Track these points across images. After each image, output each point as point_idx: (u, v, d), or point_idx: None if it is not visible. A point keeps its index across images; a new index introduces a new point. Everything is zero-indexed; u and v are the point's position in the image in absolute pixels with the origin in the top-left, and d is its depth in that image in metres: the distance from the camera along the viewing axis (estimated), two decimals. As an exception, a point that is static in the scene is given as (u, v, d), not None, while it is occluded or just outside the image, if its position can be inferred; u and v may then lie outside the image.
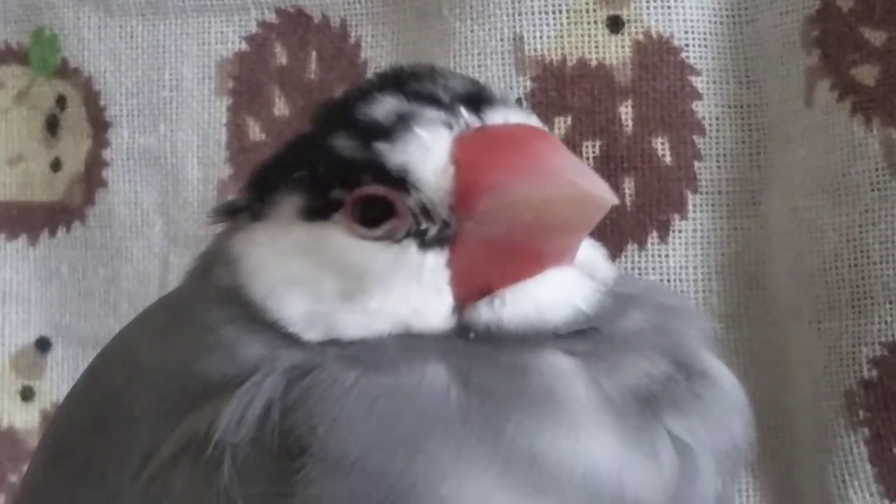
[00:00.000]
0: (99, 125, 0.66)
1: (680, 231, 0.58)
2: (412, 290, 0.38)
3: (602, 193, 0.37)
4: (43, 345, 0.67)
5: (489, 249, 0.38)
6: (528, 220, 0.38)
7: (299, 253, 0.40)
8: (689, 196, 0.58)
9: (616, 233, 0.58)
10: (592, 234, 0.53)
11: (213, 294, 0.41)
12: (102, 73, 0.66)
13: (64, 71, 0.67)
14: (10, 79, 0.68)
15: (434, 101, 0.39)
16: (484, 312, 0.39)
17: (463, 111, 0.39)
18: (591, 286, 0.40)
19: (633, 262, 0.59)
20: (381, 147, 0.38)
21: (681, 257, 0.58)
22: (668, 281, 0.59)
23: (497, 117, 0.39)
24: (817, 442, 0.56)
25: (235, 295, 0.40)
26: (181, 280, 0.46)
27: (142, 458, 0.38)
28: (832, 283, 0.56)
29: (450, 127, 0.38)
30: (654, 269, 0.58)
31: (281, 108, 0.63)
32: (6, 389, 0.67)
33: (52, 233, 0.67)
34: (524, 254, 0.39)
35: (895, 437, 0.54)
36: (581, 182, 0.37)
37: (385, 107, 0.39)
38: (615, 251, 0.58)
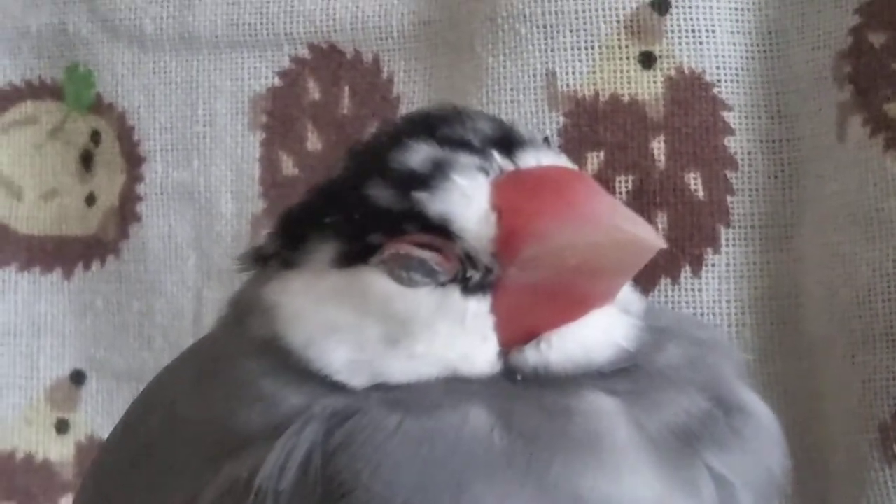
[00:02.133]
0: (133, 160, 0.66)
1: (713, 265, 0.58)
2: (457, 335, 0.39)
3: (649, 237, 0.38)
4: (78, 378, 0.67)
5: (533, 294, 0.39)
6: (573, 266, 0.38)
7: (338, 300, 0.40)
8: (722, 230, 0.58)
9: (649, 267, 0.54)
10: None
11: (248, 344, 0.42)
12: (136, 108, 0.66)
13: (98, 106, 0.67)
14: (44, 114, 0.68)
15: (466, 145, 0.39)
16: (531, 356, 0.39)
17: (496, 155, 0.39)
18: (630, 322, 0.40)
19: (666, 296, 0.58)
20: (420, 196, 0.38)
21: (714, 291, 0.58)
22: (702, 315, 0.58)
23: (530, 160, 0.39)
24: (851, 475, 0.55)
25: (273, 345, 0.40)
26: (213, 327, 0.46)
27: None
28: (866, 317, 0.55)
29: (486, 172, 0.39)
30: (687, 303, 0.58)
31: (314, 142, 0.63)
32: (41, 423, 0.66)
33: (87, 267, 0.67)
34: (569, 298, 0.39)
35: None
36: (627, 227, 0.38)
37: (419, 154, 0.39)
38: (648, 286, 0.57)
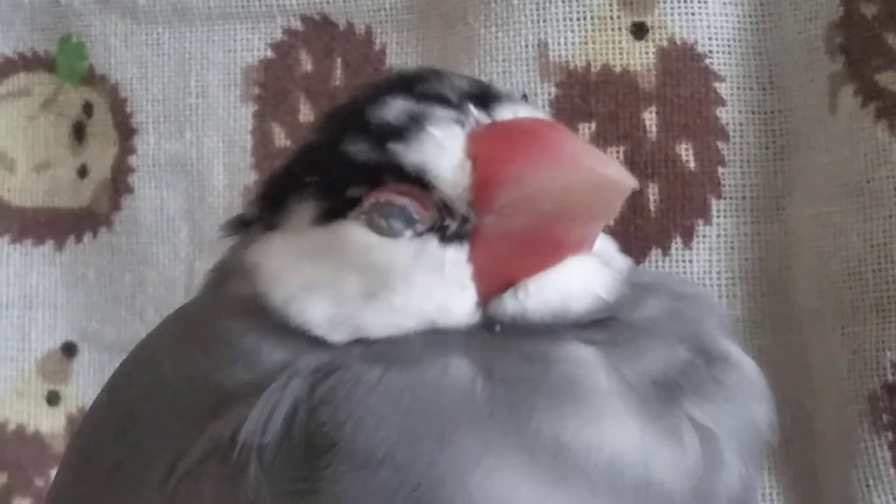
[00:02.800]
0: (125, 132, 0.66)
1: (704, 236, 0.58)
2: (435, 285, 0.39)
3: (621, 177, 0.38)
4: (69, 350, 0.67)
5: (510, 242, 0.39)
6: (547, 210, 0.38)
7: (318, 256, 0.40)
8: (713, 202, 0.58)
9: (640, 238, 0.58)
10: (615, 239, 0.54)
11: (231, 304, 0.42)
12: (129, 80, 0.66)
13: (90, 78, 0.67)
14: (37, 86, 0.68)
15: (443, 100, 0.39)
16: (509, 304, 0.39)
17: (472, 108, 0.39)
18: (610, 274, 0.40)
19: (657, 267, 0.58)
20: (397, 148, 0.38)
21: (705, 262, 0.58)
22: None
23: (506, 113, 0.39)
24: (841, 446, 0.56)
25: (255, 304, 0.41)
26: (198, 291, 0.46)
27: (167, 466, 0.38)
28: (856, 287, 0.55)
29: (461, 124, 0.39)
30: (677, 273, 0.58)
31: (306, 114, 0.63)
32: (33, 394, 0.67)
33: (79, 238, 0.67)
34: (545, 244, 0.39)
35: None
36: (599, 167, 0.38)
37: (395, 109, 0.39)
38: (639, 257, 0.58)
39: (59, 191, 0.67)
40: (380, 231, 0.39)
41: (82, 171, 0.67)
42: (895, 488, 0.54)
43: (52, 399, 0.66)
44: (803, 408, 0.58)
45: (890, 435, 0.54)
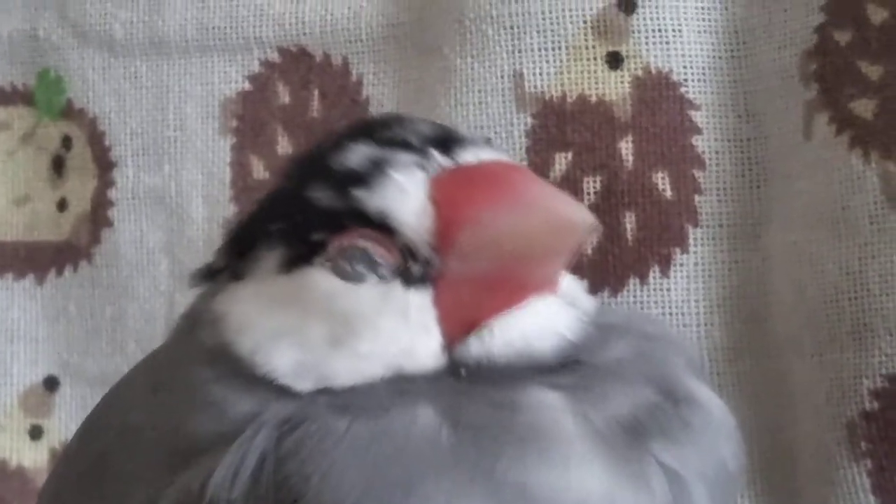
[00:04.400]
0: (104, 165, 0.66)
1: (681, 265, 0.58)
2: (400, 330, 0.39)
3: (581, 218, 0.38)
4: (51, 384, 0.67)
5: (473, 284, 0.39)
6: (509, 252, 0.38)
7: (284, 304, 0.40)
8: (690, 230, 0.58)
9: (618, 267, 0.58)
10: (593, 269, 0.54)
11: (199, 353, 0.42)
12: (107, 113, 0.66)
13: (69, 112, 0.67)
14: (16, 120, 0.68)
15: (405, 145, 0.40)
16: (474, 347, 0.39)
17: (434, 153, 0.39)
18: (574, 315, 0.41)
19: (635, 296, 0.58)
20: (359, 193, 0.39)
21: (682, 291, 0.58)
22: (670, 314, 0.59)
23: (469, 156, 0.40)
24: (820, 473, 0.56)
25: (222, 353, 0.41)
26: (167, 339, 0.46)
27: None
28: (833, 315, 0.55)
29: (423, 169, 0.39)
30: (655, 303, 0.58)
31: (284, 146, 0.63)
32: (15, 429, 0.66)
33: (59, 272, 0.67)
34: (508, 285, 0.39)
35: None
36: (559, 208, 0.38)
37: (357, 155, 0.40)
38: (617, 286, 0.58)
39: (39, 224, 0.67)
40: (344, 276, 0.39)
41: (62, 205, 0.67)
42: None
43: (35, 433, 0.66)
44: (783, 434, 0.58)
45: (869, 462, 0.54)
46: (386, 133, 0.41)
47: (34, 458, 0.66)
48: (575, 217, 0.38)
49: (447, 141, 0.40)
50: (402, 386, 0.38)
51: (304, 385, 0.39)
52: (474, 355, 0.39)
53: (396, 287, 0.39)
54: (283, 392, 0.39)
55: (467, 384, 0.39)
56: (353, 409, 0.37)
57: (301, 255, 0.40)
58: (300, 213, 0.40)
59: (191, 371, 0.41)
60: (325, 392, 0.39)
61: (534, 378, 0.39)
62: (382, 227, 0.39)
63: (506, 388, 0.38)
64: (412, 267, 0.39)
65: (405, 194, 0.39)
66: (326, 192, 0.39)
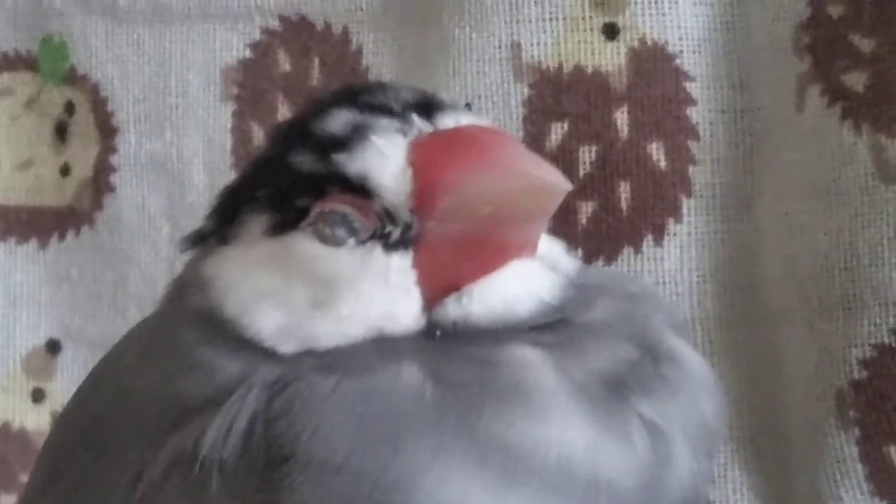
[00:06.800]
0: (106, 131, 0.66)
1: (675, 234, 0.58)
2: (381, 292, 0.39)
3: (555, 180, 0.38)
4: (53, 347, 0.67)
5: (452, 246, 0.39)
6: (486, 214, 0.38)
7: (269, 267, 0.40)
8: (684, 200, 0.58)
9: (612, 236, 0.59)
10: (587, 238, 0.54)
11: (187, 317, 0.42)
12: (110, 79, 0.66)
13: (72, 78, 0.67)
14: (19, 86, 0.68)
15: (386, 110, 0.40)
16: (452, 309, 0.39)
17: (415, 118, 0.40)
18: (554, 277, 0.41)
19: (629, 265, 0.59)
20: (340, 158, 0.39)
21: (676, 260, 0.59)
22: (664, 283, 0.59)
23: (448, 121, 0.40)
24: (809, 442, 0.56)
25: (210, 316, 0.41)
26: (158, 304, 0.46)
27: (131, 480, 0.38)
28: (823, 285, 0.56)
29: (404, 133, 0.39)
30: (649, 271, 0.59)
31: (284, 113, 0.63)
32: (17, 392, 0.67)
33: (62, 237, 0.67)
34: (486, 248, 0.39)
35: (885, 437, 0.55)
36: (534, 171, 0.38)
37: (339, 120, 0.40)
38: (611, 255, 0.59)
39: (42, 189, 0.67)
40: (325, 240, 0.39)
41: (65, 170, 0.67)
42: (862, 483, 0.55)
43: (37, 396, 0.66)
44: (773, 402, 0.58)
45: (857, 430, 0.55)
46: (368, 98, 0.41)
47: (36, 421, 0.66)
48: (550, 180, 0.38)
49: (428, 106, 0.41)
50: (384, 346, 0.39)
51: (288, 347, 0.39)
52: (453, 317, 0.39)
53: (377, 250, 0.39)
54: (270, 354, 0.39)
55: (449, 343, 0.39)
56: (339, 369, 0.37)
57: (287, 220, 0.40)
58: (285, 179, 0.40)
59: (180, 334, 0.41)
60: (310, 354, 0.39)
61: (514, 337, 0.39)
62: (363, 191, 0.39)
63: (487, 347, 0.38)
64: (392, 230, 0.39)
65: (385, 158, 0.39)
66: (309, 156, 0.40)
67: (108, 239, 0.66)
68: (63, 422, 0.46)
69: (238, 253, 0.41)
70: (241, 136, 0.64)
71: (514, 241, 0.40)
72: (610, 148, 0.58)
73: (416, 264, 0.39)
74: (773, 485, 0.58)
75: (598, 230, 0.59)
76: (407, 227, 0.39)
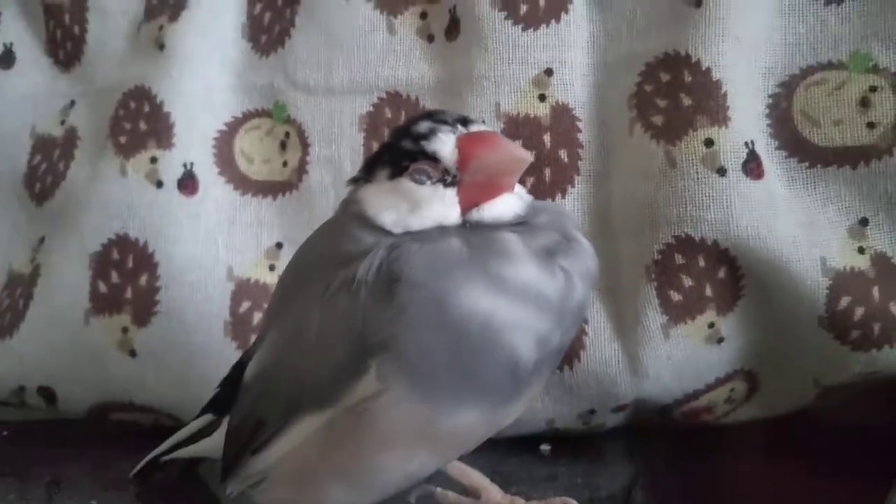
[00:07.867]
0: (305, 145, 0.65)
1: (570, 194, 0.60)
2: (440, 206, 0.40)
3: (524, 155, 0.39)
4: (279, 245, 0.66)
5: (475, 187, 0.40)
6: (492, 171, 0.40)
7: (389, 194, 0.41)
8: (576, 177, 0.60)
9: (543, 192, 0.60)
10: (533, 190, 0.56)
11: (349, 216, 0.42)
12: (306, 122, 0.66)
13: (288, 120, 0.66)
14: (264, 124, 0.67)
15: (445, 122, 0.40)
16: (474, 215, 0.40)
17: (459, 126, 0.40)
18: (521, 202, 0.42)
19: (553, 200, 0.60)
20: (424, 143, 0.40)
21: (571, 205, 0.60)
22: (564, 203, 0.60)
23: (475, 128, 0.41)
24: (633, 287, 0.58)
25: (360, 216, 0.41)
26: (335, 212, 0.46)
27: (322, 289, 0.39)
28: (644, 216, 0.57)
29: (454, 132, 0.40)
30: (557, 203, 0.59)
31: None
32: (262, 266, 0.65)
33: (283, 195, 0.66)
34: (492, 187, 0.40)
35: (669, 287, 0.57)
36: (514, 151, 0.40)
37: (423, 125, 0.41)
38: (543, 199, 0.58)
39: (274, 173, 0.67)
40: (416, 182, 0.40)
41: (285, 164, 0.67)
42: (658, 313, 0.57)
43: (272, 268, 0.65)
44: (618, 271, 0.59)
45: (656, 283, 0.57)
46: (437, 116, 0.41)
47: (271, 281, 0.64)
48: (522, 155, 0.39)
49: (465, 121, 0.41)
50: (442, 230, 0.40)
51: (398, 230, 0.40)
52: (475, 219, 0.40)
53: (440, 187, 0.40)
54: (388, 233, 0.40)
55: (472, 230, 0.40)
56: (421, 239, 0.38)
57: (397, 172, 0.41)
58: (397, 153, 0.41)
59: (345, 224, 0.42)
60: (408, 233, 0.40)
61: (503, 228, 0.40)
62: (434, 159, 0.40)
63: (490, 232, 0.39)
64: (447, 178, 0.40)
65: (445, 144, 0.40)
66: (409, 142, 0.41)
67: (307, 199, 0.65)
68: (285, 272, 0.46)
69: (375, 187, 0.42)
70: (367, 150, 0.63)
71: (503, 185, 0.41)
72: (540, 152, 0.60)
73: (458, 194, 0.40)
74: (613, 311, 0.59)
75: (538, 189, 0.60)
76: (454, 177, 0.40)
